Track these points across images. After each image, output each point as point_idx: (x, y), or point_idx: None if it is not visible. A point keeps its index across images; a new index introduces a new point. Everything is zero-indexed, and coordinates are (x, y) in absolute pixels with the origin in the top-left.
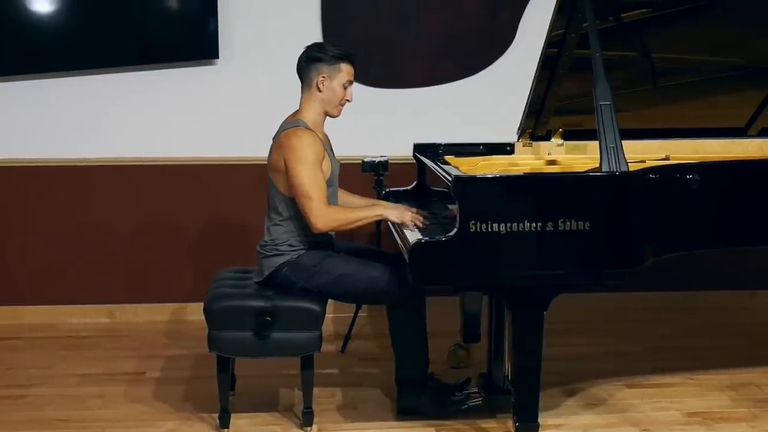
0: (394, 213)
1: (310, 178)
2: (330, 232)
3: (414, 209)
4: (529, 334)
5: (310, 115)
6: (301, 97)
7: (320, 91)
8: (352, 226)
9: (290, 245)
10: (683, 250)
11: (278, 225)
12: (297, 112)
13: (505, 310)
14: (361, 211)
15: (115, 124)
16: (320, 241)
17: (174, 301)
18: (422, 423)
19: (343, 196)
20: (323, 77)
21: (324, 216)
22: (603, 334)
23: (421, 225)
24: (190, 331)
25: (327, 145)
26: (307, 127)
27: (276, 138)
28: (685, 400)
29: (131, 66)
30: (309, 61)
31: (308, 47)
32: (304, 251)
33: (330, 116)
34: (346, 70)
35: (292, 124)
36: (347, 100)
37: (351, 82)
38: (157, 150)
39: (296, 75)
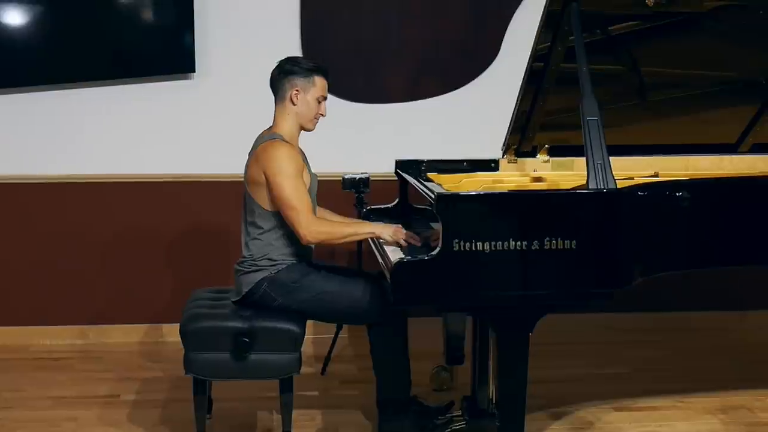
0: (388, 232)
1: (293, 190)
2: (312, 245)
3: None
4: (515, 355)
5: (286, 129)
6: (275, 112)
7: (294, 105)
8: (342, 240)
9: (270, 259)
10: (673, 269)
11: (257, 239)
12: (272, 127)
13: (490, 331)
14: (352, 226)
15: (89, 139)
16: (300, 254)
17: (149, 322)
18: None
19: (325, 215)
20: (297, 90)
21: (312, 226)
22: (590, 355)
23: (415, 243)
24: (165, 352)
25: (304, 160)
26: (284, 140)
27: (252, 152)
28: (675, 424)
29: (106, 80)
30: (282, 75)
31: (281, 61)
32: (284, 266)
33: (305, 130)
34: (320, 83)
35: (269, 137)
36: (321, 115)
37: (325, 98)
38: (132, 166)
39: None
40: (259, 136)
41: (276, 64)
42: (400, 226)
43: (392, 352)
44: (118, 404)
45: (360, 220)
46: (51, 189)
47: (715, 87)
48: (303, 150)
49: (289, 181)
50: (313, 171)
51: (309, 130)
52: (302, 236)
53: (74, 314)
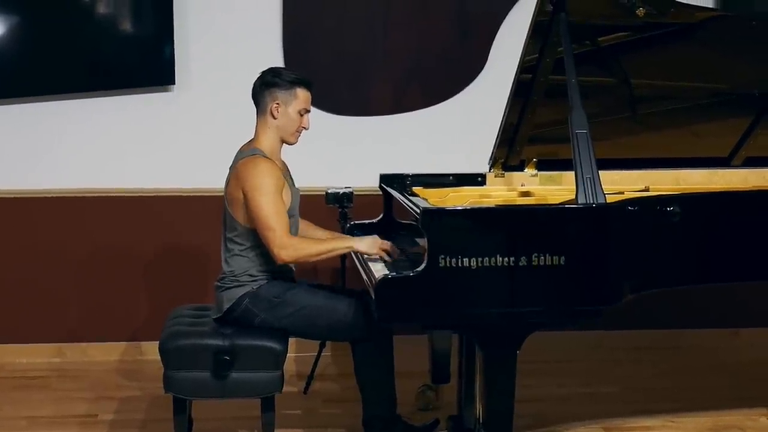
0: (365, 245)
1: (271, 209)
2: (291, 265)
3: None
4: (501, 374)
5: (267, 143)
6: (257, 125)
7: (275, 118)
8: (319, 258)
9: (251, 275)
10: (663, 286)
11: (237, 255)
12: (253, 140)
13: (476, 349)
14: (328, 242)
15: (66, 153)
16: (282, 271)
17: (128, 340)
18: None
19: (307, 228)
20: (278, 104)
21: (288, 247)
22: (579, 374)
23: (395, 256)
24: (145, 370)
25: (286, 174)
26: (264, 156)
27: (233, 168)
28: None
29: (83, 92)
30: (264, 87)
31: (263, 72)
32: (265, 282)
33: (287, 143)
34: (302, 96)
35: (249, 152)
36: (304, 128)
37: (308, 110)
38: (109, 181)
39: None
40: (239, 150)
41: (258, 75)
42: (377, 237)
43: (377, 370)
44: (96, 424)
45: (341, 235)
46: (26, 203)
47: (707, 99)
48: (286, 163)
49: (267, 199)
50: (296, 185)
51: (291, 144)
52: (276, 255)
53: (51, 332)
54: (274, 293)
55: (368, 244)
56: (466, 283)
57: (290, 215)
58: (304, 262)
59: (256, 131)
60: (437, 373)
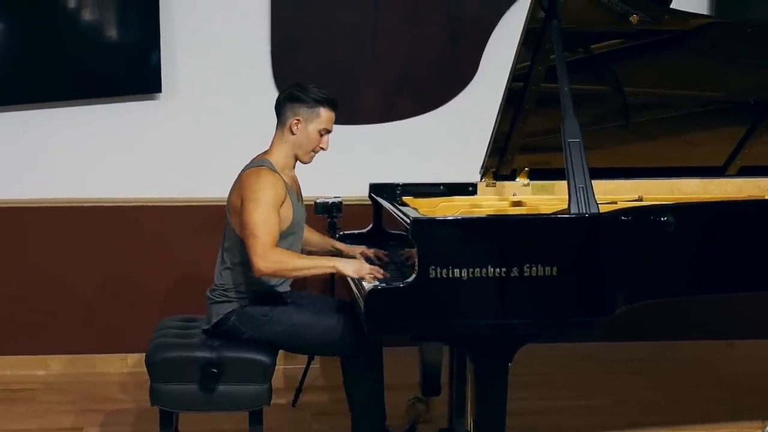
0: (351, 268)
1: (260, 218)
2: (273, 279)
3: (372, 252)
4: (493, 387)
5: (278, 157)
6: (274, 135)
7: (293, 134)
8: (299, 273)
9: (239, 291)
10: (657, 297)
11: (230, 269)
12: (266, 151)
13: (467, 361)
14: (312, 259)
15: (51, 162)
16: (272, 290)
17: (115, 352)
18: None
19: (310, 235)
20: (298, 120)
21: (267, 256)
22: (571, 386)
23: (381, 277)
24: (132, 383)
25: (292, 190)
26: (272, 168)
27: (238, 177)
28: None
29: (68, 101)
30: (287, 100)
31: (291, 85)
32: (254, 299)
33: (300, 161)
34: (325, 115)
35: (257, 163)
36: (321, 148)
37: (329, 131)
38: (96, 190)
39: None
40: (252, 159)
41: (287, 87)
42: (364, 262)
43: (367, 385)
44: None
45: (331, 245)
46: (11, 213)
47: (702, 108)
48: (297, 179)
49: (259, 210)
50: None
51: (304, 162)
52: (254, 264)
53: (35, 344)
54: (261, 311)
55: (354, 268)
56: (457, 295)
57: (291, 232)
58: (283, 276)
59: (271, 142)
60: (428, 385)
